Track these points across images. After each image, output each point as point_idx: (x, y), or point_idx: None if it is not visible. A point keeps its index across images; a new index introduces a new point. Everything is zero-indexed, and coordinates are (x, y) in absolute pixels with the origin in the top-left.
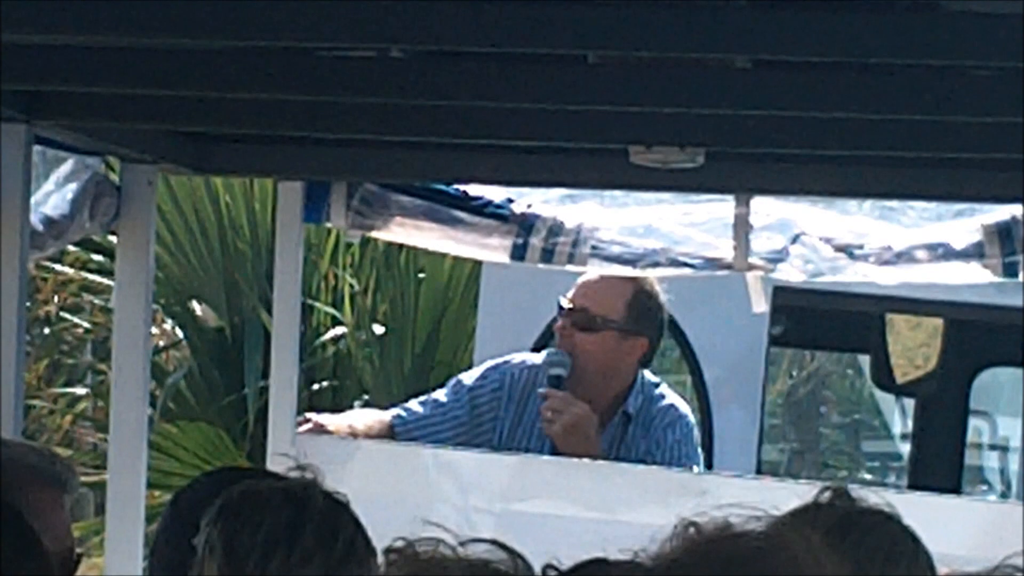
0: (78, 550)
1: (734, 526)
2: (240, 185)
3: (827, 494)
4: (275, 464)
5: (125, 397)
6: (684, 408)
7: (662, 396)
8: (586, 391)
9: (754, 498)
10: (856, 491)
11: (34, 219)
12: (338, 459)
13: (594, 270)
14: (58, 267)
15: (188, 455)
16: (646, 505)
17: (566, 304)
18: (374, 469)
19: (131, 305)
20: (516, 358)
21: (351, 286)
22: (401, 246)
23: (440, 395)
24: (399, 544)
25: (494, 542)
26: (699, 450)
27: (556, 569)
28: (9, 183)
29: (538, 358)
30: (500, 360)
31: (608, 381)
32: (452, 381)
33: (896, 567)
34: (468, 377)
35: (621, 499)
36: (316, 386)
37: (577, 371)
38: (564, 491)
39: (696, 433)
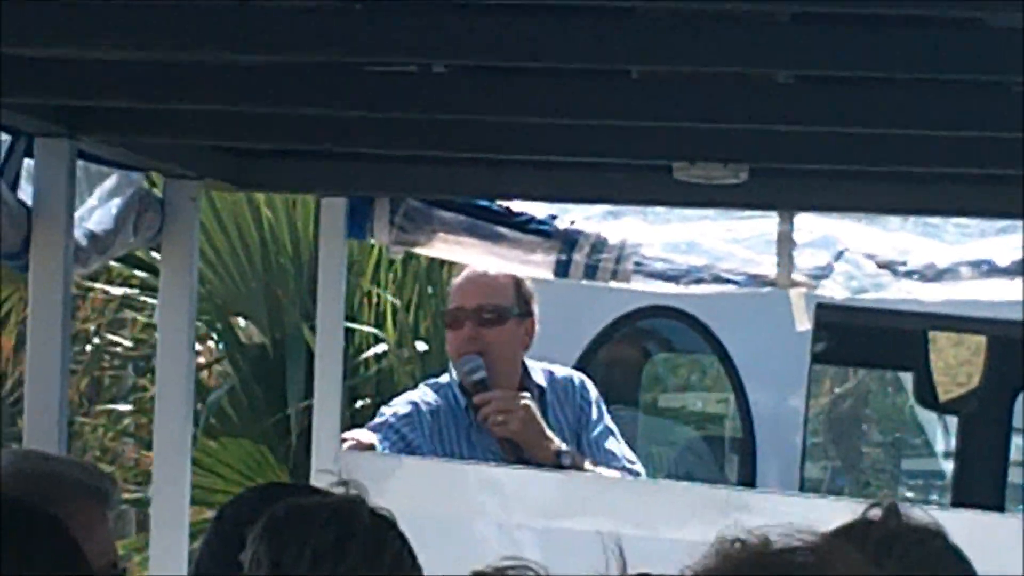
0: (121, 565)
1: (779, 542)
2: (282, 201)
3: (875, 510)
4: (319, 481)
5: (169, 413)
6: (579, 374)
7: (549, 370)
8: (502, 383)
9: (796, 515)
10: (905, 508)
11: (78, 234)
12: (381, 476)
13: (637, 286)
14: (98, 285)
15: (230, 472)
16: (687, 521)
17: (460, 306)
18: (416, 486)
19: (175, 320)
20: (417, 391)
21: (393, 303)
22: (443, 262)
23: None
24: (488, 570)
25: None
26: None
27: None
28: (53, 198)
29: (443, 379)
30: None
31: (515, 366)
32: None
33: None
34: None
35: (662, 515)
36: (359, 403)
37: (493, 368)
38: (606, 507)
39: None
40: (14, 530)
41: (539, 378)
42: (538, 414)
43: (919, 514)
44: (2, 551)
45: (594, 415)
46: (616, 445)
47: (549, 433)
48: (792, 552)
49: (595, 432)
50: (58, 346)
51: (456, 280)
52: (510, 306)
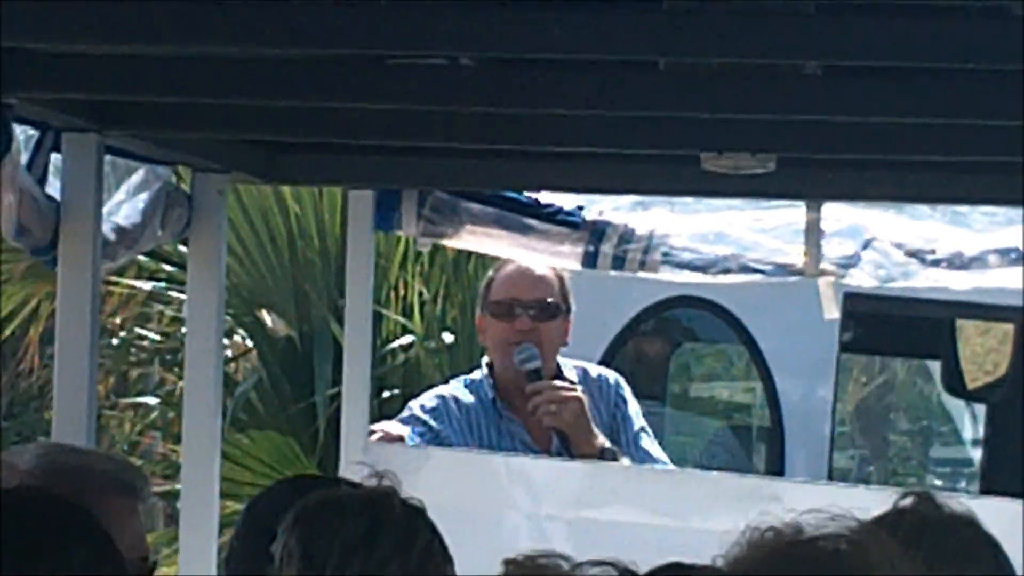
0: (152, 558)
1: (812, 530)
2: (309, 194)
3: (909, 499)
4: (348, 473)
5: (198, 407)
6: (613, 372)
7: (583, 368)
8: (546, 377)
9: (825, 504)
10: (939, 496)
11: (106, 229)
12: (410, 467)
13: (665, 276)
14: (125, 280)
15: (258, 464)
16: (717, 511)
17: (515, 298)
18: (446, 477)
19: (203, 314)
20: (448, 385)
21: (420, 294)
22: (470, 254)
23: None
24: (519, 557)
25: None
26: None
27: (634, 574)
28: (81, 193)
29: (475, 375)
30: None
31: (554, 362)
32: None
33: (975, 572)
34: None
35: (692, 506)
36: (386, 394)
37: (544, 361)
38: (635, 498)
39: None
40: (49, 523)
41: (571, 375)
42: (588, 409)
43: (952, 503)
44: (37, 545)
45: (630, 413)
46: (652, 445)
47: (595, 429)
48: (826, 539)
49: (632, 431)
50: (87, 340)
51: (503, 271)
52: (559, 302)
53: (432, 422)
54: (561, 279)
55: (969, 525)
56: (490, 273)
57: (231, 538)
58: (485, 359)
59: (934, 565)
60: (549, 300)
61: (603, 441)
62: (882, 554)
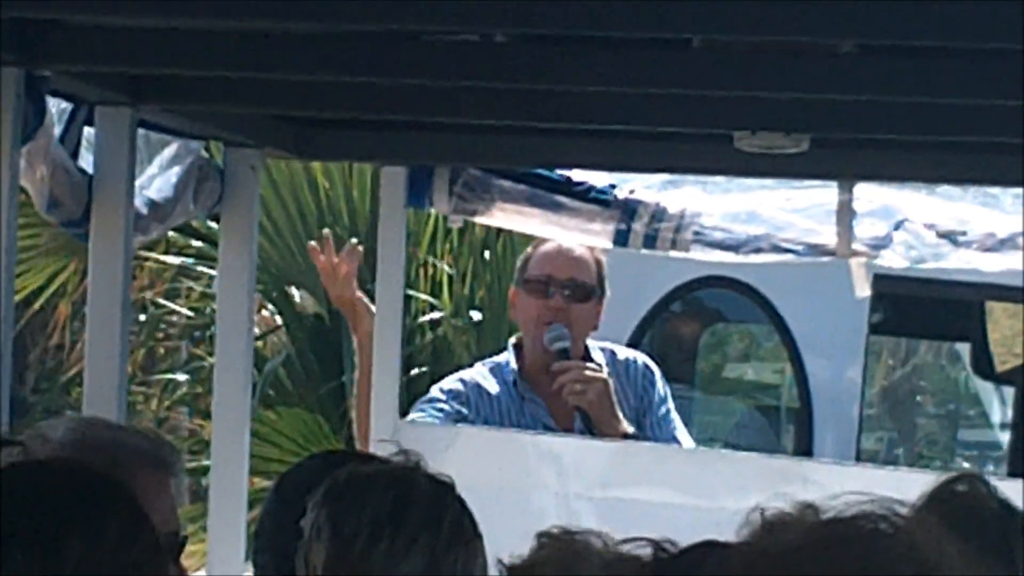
0: (183, 533)
1: (849, 509)
2: (339, 171)
3: (958, 483)
4: (377, 451)
5: (228, 383)
6: (643, 356)
7: (611, 349)
8: (574, 359)
9: (855, 485)
10: (988, 479)
11: (138, 203)
12: (439, 445)
13: (696, 255)
14: (154, 254)
15: (287, 441)
16: (746, 491)
17: (550, 275)
18: (474, 456)
19: (234, 289)
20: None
21: (449, 273)
22: (498, 232)
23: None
24: (554, 530)
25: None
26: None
27: (670, 549)
28: (113, 166)
29: (500, 358)
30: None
31: (583, 344)
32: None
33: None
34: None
35: (720, 485)
36: (414, 372)
37: (573, 342)
38: (663, 477)
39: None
40: (82, 496)
41: (598, 357)
42: (613, 392)
43: (1001, 486)
44: (71, 517)
45: (656, 399)
46: (678, 430)
47: (620, 413)
48: (865, 518)
49: (657, 415)
50: (118, 314)
51: (541, 248)
52: (594, 285)
53: (454, 403)
54: (599, 262)
55: (1018, 513)
56: (528, 249)
57: (260, 513)
58: (512, 340)
59: (978, 548)
60: (584, 281)
61: (627, 427)
62: (928, 537)
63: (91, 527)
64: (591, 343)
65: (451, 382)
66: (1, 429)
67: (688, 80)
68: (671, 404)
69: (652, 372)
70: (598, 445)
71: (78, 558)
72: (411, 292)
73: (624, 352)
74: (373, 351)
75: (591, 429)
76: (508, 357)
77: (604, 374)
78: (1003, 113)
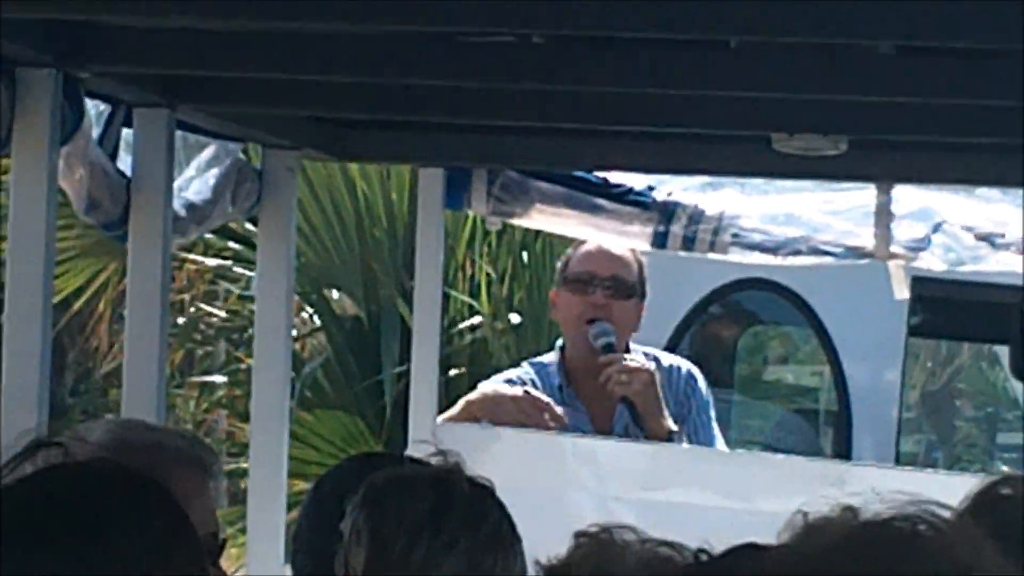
0: (221, 535)
1: (888, 511)
2: (377, 173)
3: (1002, 486)
4: (415, 452)
5: (266, 385)
6: (688, 364)
7: (655, 355)
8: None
9: (893, 488)
10: None
11: (176, 204)
12: (477, 447)
13: (735, 257)
14: (192, 256)
15: (325, 443)
16: (784, 494)
17: (593, 273)
18: (512, 457)
19: (272, 291)
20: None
21: (488, 275)
22: (537, 234)
23: None
24: (592, 528)
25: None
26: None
27: (708, 554)
28: (152, 168)
29: (546, 358)
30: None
31: (624, 344)
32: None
33: None
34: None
35: (758, 487)
36: (452, 373)
37: (618, 339)
38: (701, 479)
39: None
40: (123, 497)
41: (641, 359)
42: (659, 387)
43: None
44: (112, 518)
45: (696, 405)
46: (715, 439)
47: (666, 411)
48: (905, 520)
49: (698, 422)
50: (156, 316)
51: (582, 247)
52: (635, 283)
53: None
54: (640, 263)
55: None
56: (569, 250)
57: (299, 516)
58: (559, 342)
59: (1017, 551)
60: (626, 279)
61: (671, 424)
62: (969, 542)
63: (132, 528)
64: (634, 347)
65: (499, 382)
66: (41, 430)
67: (726, 82)
68: (712, 413)
69: (695, 378)
70: (637, 447)
71: (121, 559)
72: (450, 293)
73: (668, 358)
74: (412, 351)
75: (637, 421)
76: (553, 358)
77: (651, 367)
78: None
